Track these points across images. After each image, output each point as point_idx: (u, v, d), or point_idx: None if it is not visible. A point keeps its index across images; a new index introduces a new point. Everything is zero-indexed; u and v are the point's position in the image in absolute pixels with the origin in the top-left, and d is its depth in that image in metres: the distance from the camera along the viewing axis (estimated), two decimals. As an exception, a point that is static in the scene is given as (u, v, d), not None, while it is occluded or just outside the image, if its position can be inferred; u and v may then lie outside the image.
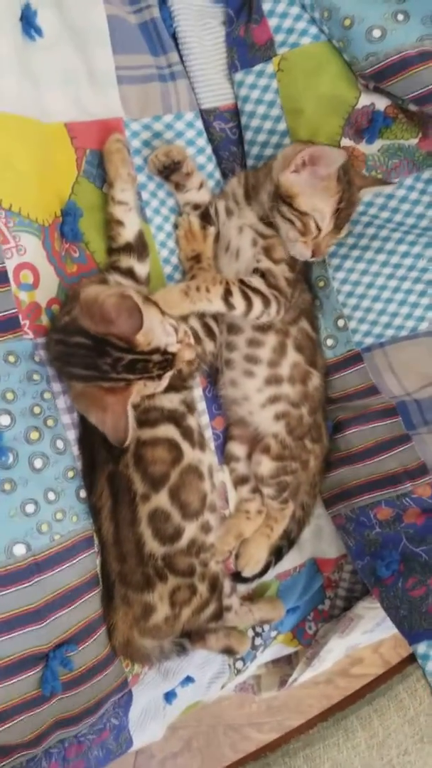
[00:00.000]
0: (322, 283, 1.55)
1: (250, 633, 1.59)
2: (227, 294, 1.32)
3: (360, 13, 1.38)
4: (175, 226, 1.47)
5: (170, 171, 1.39)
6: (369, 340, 1.52)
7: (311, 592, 1.69)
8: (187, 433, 1.31)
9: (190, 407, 1.36)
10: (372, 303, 1.52)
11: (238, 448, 1.52)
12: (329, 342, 1.55)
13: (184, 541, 1.29)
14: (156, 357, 1.15)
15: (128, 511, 1.25)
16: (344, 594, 1.75)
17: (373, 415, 1.54)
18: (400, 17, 1.36)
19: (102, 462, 1.26)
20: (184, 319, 1.35)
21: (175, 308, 1.29)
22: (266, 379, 1.43)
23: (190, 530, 1.30)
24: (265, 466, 1.46)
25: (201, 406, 1.48)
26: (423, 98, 1.37)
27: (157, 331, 1.14)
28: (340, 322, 1.53)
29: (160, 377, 1.18)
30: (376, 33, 1.37)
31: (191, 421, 1.34)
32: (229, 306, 1.32)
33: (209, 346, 1.41)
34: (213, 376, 1.50)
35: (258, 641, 1.60)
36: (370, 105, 1.47)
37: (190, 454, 1.31)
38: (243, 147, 1.55)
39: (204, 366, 1.44)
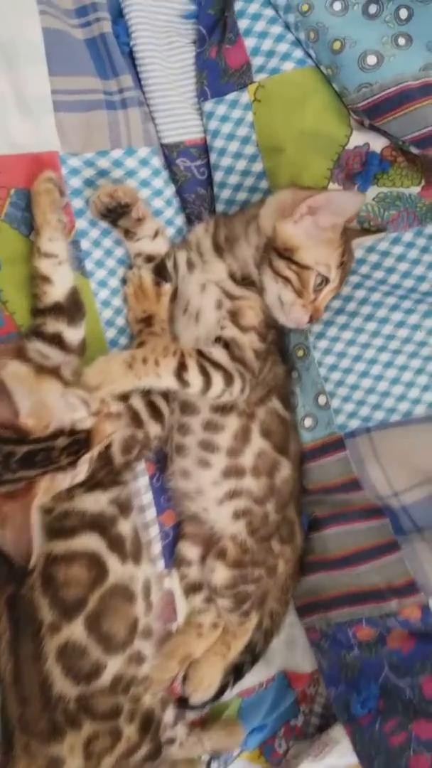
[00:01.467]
0: (301, 353, 1.30)
1: (205, 756, 1.32)
2: (181, 368, 1.08)
3: (352, 34, 1.14)
4: (123, 282, 1.22)
5: (117, 215, 1.15)
6: (354, 423, 1.26)
7: (280, 709, 1.43)
8: (115, 543, 1.06)
9: (124, 508, 1.11)
10: (359, 379, 1.27)
11: (190, 550, 1.27)
12: (307, 422, 1.29)
13: (105, 679, 1.03)
14: (61, 441, 0.90)
15: (32, 645, 0.99)
16: (321, 711, 1.49)
17: (355, 514, 1.28)
18: (401, 41, 1.13)
19: (1, 580, 1.00)
20: (124, 397, 1.10)
21: (115, 383, 1.05)
22: (224, 470, 1.19)
23: (114, 665, 1.04)
24: (220, 574, 1.21)
25: (146, 498, 1.23)
26: (425, 140, 1.12)
27: (56, 409, 0.89)
28: (321, 400, 1.28)
29: (73, 464, 0.93)
30: (371, 59, 1.12)
31: (123, 526, 1.09)
32: (183, 383, 1.08)
33: (154, 429, 1.16)
34: (163, 462, 1.25)
35: (214, 765, 1.33)
36: (363, 145, 1.22)
37: (117, 570, 1.06)
38: (212, 189, 1.30)
39: (147, 453, 1.18)
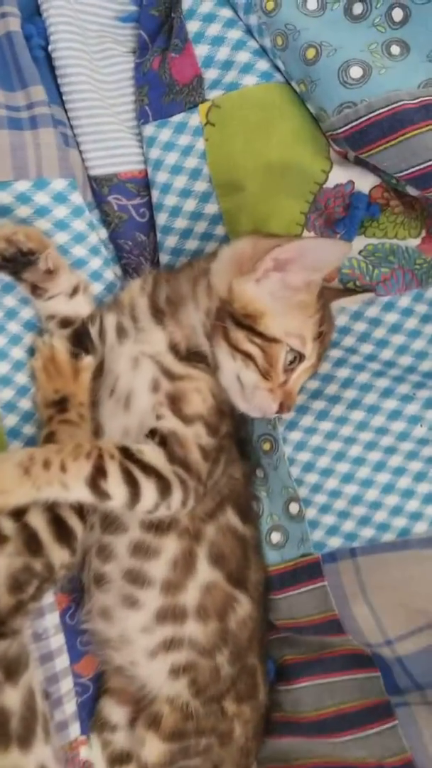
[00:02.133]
0: (267, 446, 1.00)
1: None
2: (98, 474, 0.79)
3: (331, 39, 0.87)
4: (31, 352, 0.93)
5: (19, 265, 0.85)
6: (335, 542, 0.98)
7: None
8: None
9: (12, 670, 0.80)
10: (341, 484, 0.99)
11: (114, 711, 0.96)
12: (275, 537, 1.00)
13: None
14: None
15: None
16: None
17: (336, 663, 0.99)
18: (395, 50, 0.86)
19: None
20: (18, 512, 0.80)
21: (5, 494, 0.77)
22: (158, 612, 0.89)
23: None
24: (153, 748, 0.91)
25: (56, 641, 0.93)
26: (426, 177, 0.84)
27: None
28: (293, 508, 0.99)
29: None
30: (356, 72, 0.86)
31: (8, 697, 0.79)
32: (100, 494, 0.79)
33: (59, 555, 0.85)
34: (80, 592, 0.94)
35: None
36: (347, 184, 0.95)
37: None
38: (155, 235, 1.01)
39: (50, 587, 0.87)
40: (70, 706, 0.94)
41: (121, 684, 0.96)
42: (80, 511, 0.89)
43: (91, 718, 0.96)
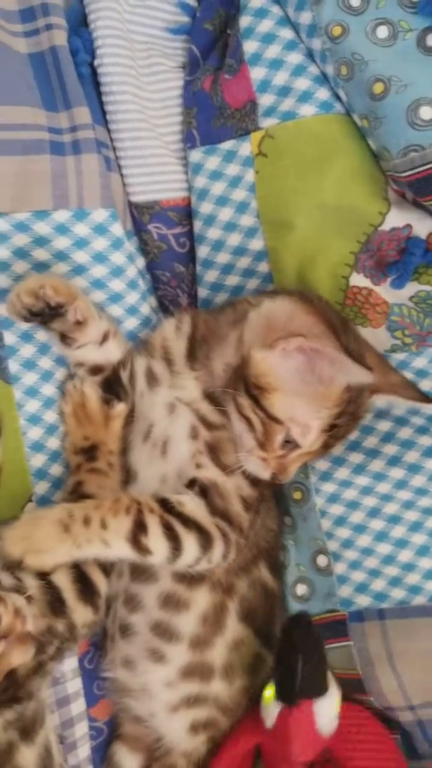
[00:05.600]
0: (298, 495, 0.97)
1: None
2: (138, 530, 0.77)
3: (402, 74, 0.81)
4: (61, 391, 0.89)
5: (46, 317, 0.81)
6: (363, 601, 0.94)
7: None
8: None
9: (28, 729, 0.78)
10: (375, 541, 0.95)
11: (128, 758, 0.95)
12: (300, 590, 0.97)
13: None
14: None
15: None
16: None
17: (356, 722, 0.93)
18: (473, 89, 0.77)
19: None
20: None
21: (45, 553, 0.75)
22: (184, 668, 0.87)
23: None
24: (169, 808, 0.88)
25: (73, 685, 0.91)
26: None
27: None
28: (321, 561, 0.96)
29: None
30: (427, 112, 0.79)
31: (23, 757, 0.78)
32: (142, 550, 0.77)
33: (82, 615, 0.82)
34: (101, 637, 0.92)
35: None
36: (404, 228, 0.89)
37: None
38: (194, 267, 0.96)
39: (71, 646, 0.84)
40: (83, 750, 0.92)
41: (136, 732, 0.94)
42: (104, 566, 0.86)
43: (103, 762, 0.95)
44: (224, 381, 0.84)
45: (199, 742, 0.89)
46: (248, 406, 0.81)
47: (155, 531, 0.77)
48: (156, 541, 0.77)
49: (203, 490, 0.83)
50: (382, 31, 0.82)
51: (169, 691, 0.87)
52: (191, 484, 0.84)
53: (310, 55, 0.89)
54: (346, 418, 0.80)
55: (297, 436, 0.79)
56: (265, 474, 0.82)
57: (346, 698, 0.83)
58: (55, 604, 0.80)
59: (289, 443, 0.81)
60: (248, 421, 0.81)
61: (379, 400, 0.85)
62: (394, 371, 0.87)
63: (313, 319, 0.77)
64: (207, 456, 0.85)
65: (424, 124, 0.79)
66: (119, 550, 0.77)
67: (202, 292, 0.98)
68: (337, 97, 0.88)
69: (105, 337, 0.88)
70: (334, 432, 0.81)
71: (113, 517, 0.76)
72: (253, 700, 0.89)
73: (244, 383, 0.81)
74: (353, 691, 0.94)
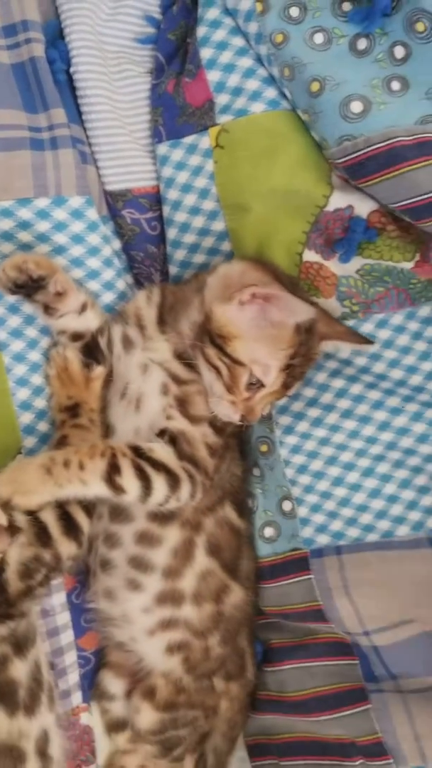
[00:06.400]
0: (265, 448, 1.08)
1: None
2: (112, 471, 0.87)
3: (335, 74, 0.92)
4: (46, 356, 1.00)
5: (30, 290, 0.93)
6: (323, 540, 1.05)
7: None
8: (2, 693, 0.85)
9: (21, 645, 0.89)
10: (332, 486, 1.06)
11: (113, 683, 1.05)
12: (268, 532, 1.08)
13: None
14: None
15: None
16: None
17: (318, 649, 1.07)
18: (395, 86, 0.90)
19: None
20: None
21: (31, 493, 0.85)
22: (158, 595, 0.98)
23: None
24: (146, 717, 1.00)
25: (62, 618, 1.02)
26: (418, 210, 0.90)
27: None
28: (286, 506, 1.06)
29: None
30: (357, 106, 0.90)
31: (16, 669, 0.88)
32: (116, 489, 0.87)
33: (67, 548, 0.93)
34: (85, 575, 1.03)
35: None
36: (346, 208, 1.00)
37: (2, 727, 0.84)
38: (165, 247, 1.08)
39: (57, 576, 0.96)
40: (73, 677, 1.03)
41: (120, 658, 1.05)
42: (87, 507, 0.98)
43: (92, 688, 1.05)
44: (192, 337, 0.95)
45: (176, 663, 0.99)
46: (214, 355, 0.91)
47: (128, 472, 0.87)
48: (129, 480, 0.87)
49: (172, 438, 0.93)
50: (319, 38, 0.95)
51: (146, 616, 0.98)
52: (162, 433, 0.94)
53: (258, 59, 1.00)
54: (300, 358, 0.91)
55: (259, 375, 0.90)
56: (234, 416, 0.92)
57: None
58: (42, 536, 0.89)
59: (254, 385, 0.91)
60: (216, 369, 0.91)
61: (327, 346, 0.96)
62: (339, 322, 0.99)
63: (261, 272, 0.89)
64: (176, 409, 0.95)
65: (355, 117, 0.91)
66: (96, 488, 0.86)
67: (173, 270, 1.08)
68: (284, 96, 1.00)
69: (83, 307, 0.99)
70: (291, 371, 0.91)
71: (90, 460, 0.86)
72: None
73: (209, 336, 0.91)
74: (315, 620, 1.05)
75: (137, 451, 0.90)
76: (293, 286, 0.94)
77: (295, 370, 0.93)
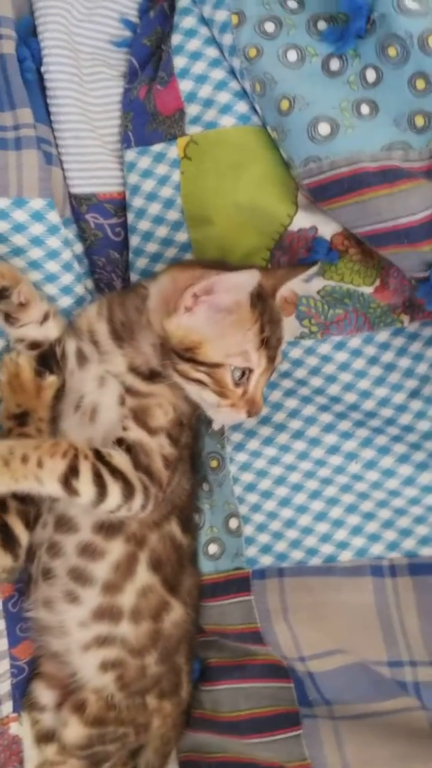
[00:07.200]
0: (215, 463, 1.07)
1: None
2: (70, 473, 0.85)
3: (305, 93, 0.91)
4: (-2, 365, 0.99)
5: (-7, 298, 0.91)
6: (266, 560, 1.04)
7: None
8: None
9: None
10: (279, 506, 1.05)
11: (45, 694, 1.03)
12: (212, 549, 1.07)
13: None
14: None
15: None
16: None
17: (255, 670, 1.06)
18: (364, 109, 0.90)
19: None
20: None
21: None
22: (96, 610, 0.96)
23: None
24: (73, 731, 0.98)
25: (-2, 625, 0.99)
26: (378, 237, 0.89)
27: None
28: (233, 523, 1.06)
29: None
30: (324, 128, 0.90)
31: None
32: (70, 491, 0.85)
33: (2, 561, 0.92)
34: (26, 583, 1.01)
35: None
36: (310, 229, 1.00)
37: None
38: (128, 254, 1.06)
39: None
40: (4, 686, 1.01)
41: (53, 669, 1.03)
42: (27, 520, 0.96)
43: (23, 697, 1.04)
44: (158, 357, 0.93)
45: (109, 679, 0.97)
46: (190, 369, 0.89)
47: (86, 476, 0.85)
48: (85, 485, 0.85)
49: (129, 447, 0.92)
50: (292, 55, 0.93)
51: (82, 631, 0.96)
52: (120, 442, 0.92)
53: (232, 72, 0.99)
54: (269, 326, 0.89)
55: (242, 363, 0.88)
56: (241, 417, 0.91)
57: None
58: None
59: (242, 377, 0.89)
60: (197, 381, 0.90)
61: (283, 293, 0.95)
62: (276, 269, 0.98)
63: (189, 269, 0.88)
64: (132, 420, 0.94)
65: (322, 138, 0.90)
66: (50, 488, 0.84)
67: (134, 277, 1.07)
68: (255, 111, 0.99)
69: (45, 317, 0.97)
70: (267, 343, 0.90)
71: (50, 459, 0.84)
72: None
73: (175, 353, 0.90)
74: (253, 642, 1.04)
75: (98, 455, 0.88)
76: (222, 265, 0.92)
77: (271, 340, 0.91)
